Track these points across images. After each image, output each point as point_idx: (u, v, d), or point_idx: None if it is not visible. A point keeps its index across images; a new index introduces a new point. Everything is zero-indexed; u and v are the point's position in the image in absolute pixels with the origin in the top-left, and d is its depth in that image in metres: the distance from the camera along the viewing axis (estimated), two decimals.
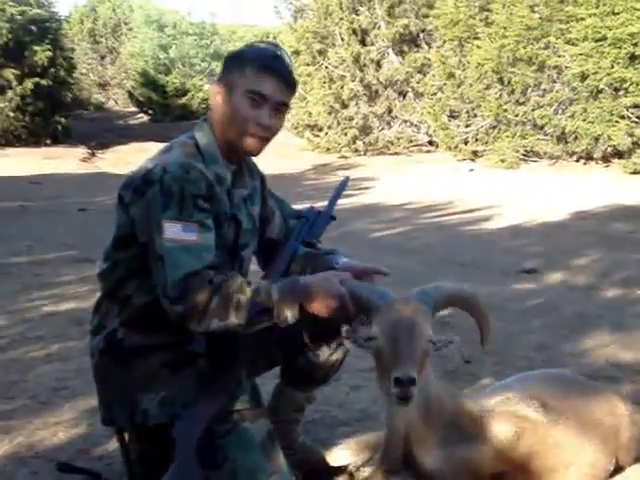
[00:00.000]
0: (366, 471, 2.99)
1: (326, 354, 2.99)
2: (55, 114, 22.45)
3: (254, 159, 2.93)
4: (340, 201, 3.09)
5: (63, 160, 18.02)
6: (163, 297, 2.47)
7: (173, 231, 2.50)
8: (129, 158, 14.81)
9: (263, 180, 2.99)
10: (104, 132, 22.91)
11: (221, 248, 2.66)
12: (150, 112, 25.23)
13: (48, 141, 21.87)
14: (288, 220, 3.04)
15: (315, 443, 3.20)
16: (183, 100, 23.91)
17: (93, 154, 19.36)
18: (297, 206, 3.14)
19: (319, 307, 2.52)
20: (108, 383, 2.70)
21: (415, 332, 2.52)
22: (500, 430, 2.82)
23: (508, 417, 2.84)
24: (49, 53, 22.09)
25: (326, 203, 3.07)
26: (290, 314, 2.48)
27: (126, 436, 2.76)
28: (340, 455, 3.05)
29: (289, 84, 2.72)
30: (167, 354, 2.63)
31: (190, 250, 2.49)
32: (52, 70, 22.44)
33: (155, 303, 2.56)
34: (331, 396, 3.70)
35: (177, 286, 2.45)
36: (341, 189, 3.12)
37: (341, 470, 2.97)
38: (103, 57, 31.80)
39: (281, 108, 2.70)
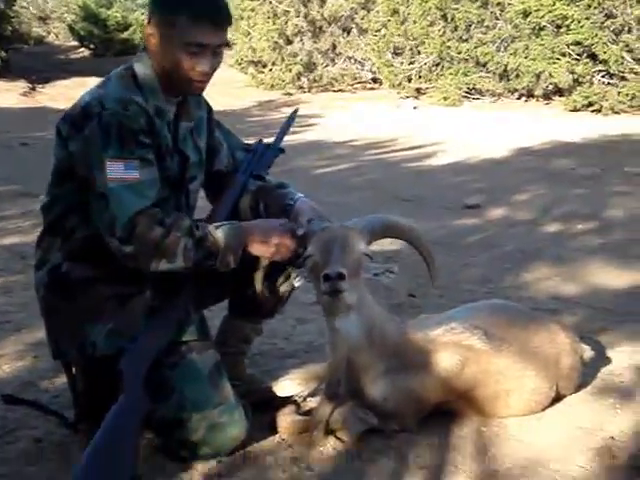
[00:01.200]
0: (312, 401, 3.04)
1: (273, 287, 3.02)
2: None
3: None
4: (286, 138, 3.09)
5: (3, 94, 17.60)
6: (110, 237, 2.48)
7: (115, 170, 2.49)
8: (70, 93, 14.52)
9: (210, 111, 2.98)
10: (45, 66, 22.41)
11: (166, 182, 2.66)
12: (91, 46, 24.70)
13: None
14: (236, 152, 3.03)
15: (262, 375, 3.25)
16: (125, 35, 23.43)
17: (34, 88, 18.90)
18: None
19: (261, 251, 2.65)
20: (55, 317, 2.71)
21: (347, 244, 2.63)
22: (444, 359, 2.88)
23: (452, 346, 2.90)
24: None
25: (274, 137, 3.07)
26: (233, 259, 2.57)
27: (73, 368, 2.77)
28: (287, 386, 3.10)
29: (225, 23, 2.66)
30: (113, 286, 2.63)
31: (134, 189, 2.49)
32: None
33: (97, 236, 2.57)
34: (278, 329, 3.74)
35: (126, 227, 2.46)
36: (290, 121, 3.13)
37: (288, 400, 3.01)
38: None
39: (220, 48, 2.66)
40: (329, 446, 2.76)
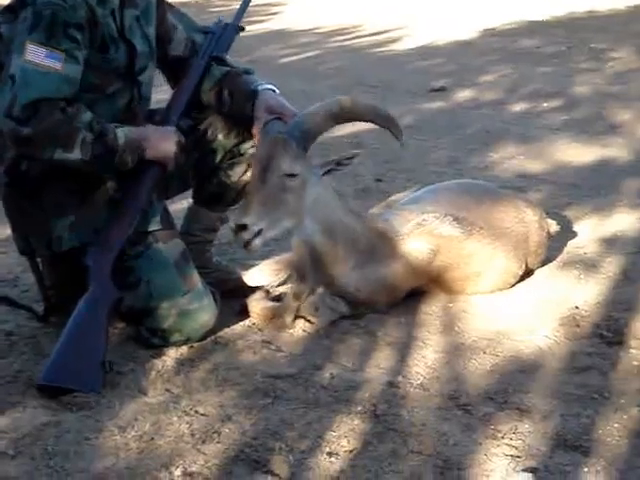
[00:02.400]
0: (281, 289, 3.06)
1: (238, 174, 3.02)
2: None
3: None
4: (248, 27, 3.03)
5: None
6: (6, 118, 2.40)
7: (35, 54, 2.42)
8: None
9: None
10: None
11: (113, 74, 2.62)
12: None
13: None
14: (194, 35, 2.97)
15: (231, 263, 3.26)
16: None
17: None
18: None
19: (156, 155, 2.64)
20: (20, 214, 2.70)
21: (264, 169, 2.60)
22: (416, 250, 2.89)
23: (424, 237, 2.91)
24: None
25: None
26: (131, 159, 2.55)
27: (39, 263, 2.77)
28: (256, 276, 3.11)
29: None
30: (74, 180, 2.61)
31: (49, 76, 2.43)
32: None
33: None
34: None
35: (26, 108, 2.40)
36: None
37: (258, 289, 3.03)
38: None
39: None
40: (299, 328, 2.81)
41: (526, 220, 3.14)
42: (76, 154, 2.46)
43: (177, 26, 2.95)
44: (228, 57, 3.00)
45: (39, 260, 2.77)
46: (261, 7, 14.25)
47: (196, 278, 2.68)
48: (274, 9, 13.59)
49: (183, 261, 2.68)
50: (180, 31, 2.95)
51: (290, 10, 13.37)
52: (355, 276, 2.84)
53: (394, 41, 10.11)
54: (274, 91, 2.86)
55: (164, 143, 2.65)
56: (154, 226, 2.68)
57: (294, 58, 9.04)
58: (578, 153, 5.05)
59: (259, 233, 2.54)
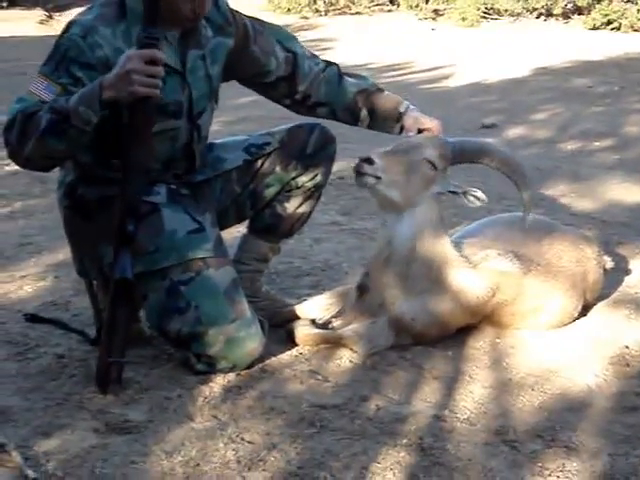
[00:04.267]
0: (335, 322, 3.05)
1: (294, 207, 3.05)
2: None
3: (231, 12, 2.89)
4: None
5: (19, 23, 17.53)
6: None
7: (37, 86, 2.49)
8: None
9: (242, 35, 2.90)
10: None
11: (164, 111, 2.63)
12: None
13: (4, 4, 21.22)
14: (292, 46, 3.01)
15: (280, 293, 3.28)
16: None
17: (51, 17, 18.76)
18: None
19: (118, 89, 2.37)
20: (77, 236, 2.76)
21: (412, 147, 2.74)
22: (477, 287, 2.87)
23: (487, 274, 2.90)
24: None
25: None
26: (91, 112, 2.38)
27: (95, 285, 2.81)
28: (307, 308, 3.09)
29: None
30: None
31: (31, 99, 2.48)
32: None
33: (97, 161, 2.63)
34: (294, 248, 3.77)
35: (10, 118, 2.45)
36: None
37: (306, 323, 3.03)
38: None
39: None
40: (346, 359, 2.81)
41: (584, 258, 3.12)
42: (37, 133, 2.42)
43: (273, 50, 2.96)
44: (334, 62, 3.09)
45: (95, 282, 2.80)
46: (314, 42, 14.36)
47: (245, 306, 2.69)
48: (326, 44, 13.70)
49: (233, 289, 2.69)
50: (278, 54, 2.97)
51: (342, 46, 13.47)
52: (414, 305, 2.83)
53: (446, 78, 10.14)
54: (414, 109, 3.00)
55: (123, 69, 2.35)
56: (206, 253, 2.69)
57: None
58: (629, 192, 5.01)
59: (377, 179, 2.67)
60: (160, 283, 2.64)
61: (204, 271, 2.66)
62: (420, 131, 2.91)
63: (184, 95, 2.72)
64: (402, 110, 2.97)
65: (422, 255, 2.80)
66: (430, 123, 2.93)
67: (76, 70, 2.50)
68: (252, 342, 2.66)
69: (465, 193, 2.78)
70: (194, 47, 2.73)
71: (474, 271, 2.87)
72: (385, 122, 3.01)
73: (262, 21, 3.04)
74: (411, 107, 3.00)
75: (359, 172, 2.67)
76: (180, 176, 2.85)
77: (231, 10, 2.91)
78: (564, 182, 5.27)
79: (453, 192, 2.79)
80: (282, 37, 3.01)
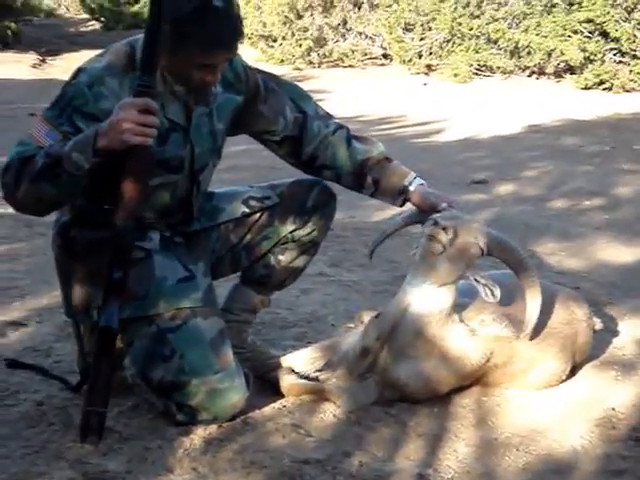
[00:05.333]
0: (319, 376, 3.01)
1: (288, 260, 3.04)
2: (4, 19, 21.85)
3: (243, 68, 2.89)
4: None
5: (13, 66, 17.63)
6: None
7: (39, 129, 2.48)
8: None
9: (252, 93, 2.90)
10: (55, 39, 22.41)
11: (164, 166, 2.62)
12: (102, 19, 24.63)
13: None
14: (303, 106, 3.00)
15: (265, 343, 3.25)
16: (135, 8, 23.27)
17: (44, 60, 18.93)
18: None
19: (111, 138, 2.33)
20: (67, 277, 2.73)
21: (467, 227, 2.73)
22: (472, 353, 2.85)
23: (483, 340, 2.87)
24: None
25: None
26: (83, 158, 2.34)
27: (82, 328, 2.78)
28: (293, 361, 3.06)
29: (237, 41, 2.59)
30: None
31: (29, 144, 2.47)
32: None
33: (91, 204, 2.60)
34: (281, 299, 3.74)
35: (8, 161, 2.45)
36: None
37: (292, 373, 3.01)
38: None
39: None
40: (329, 413, 2.77)
41: (575, 320, 3.10)
42: (29, 176, 2.41)
43: (282, 111, 2.95)
44: (346, 125, 3.08)
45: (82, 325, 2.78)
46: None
47: (230, 358, 2.66)
48: (318, 96, 13.74)
49: (220, 339, 2.66)
50: (287, 114, 2.95)
51: (334, 98, 13.53)
52: (408, 370, 2.81)
53: (437, 132, 10.21)
54: (423, 184, 2.93)
55: (115, 118, 2.32)
56: (194, 303, 2.67)
57: None
58: (619, 252, 5.02)
59: (444, 248, 2.68)
60: (147, 329, 2.62)
61: (191, 320, 2.64)
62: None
63: (186, 150, 2.71)
64: (407, 184, 2.91)
65: (428, 330, 2.79)
66: (442, 204, 2.84)
67: (78, 120, 2.49)
68: (235, 394, 2.63)
69: (486, 285, 2.76)
70: (201, 103, 2.72)
71: (471, 339, 2.85)
72: (389, 193, 2.97)
73: (277, 78, 3.02)
74: (419, 181, 2.93)
75: (434, 237, 2.66)
76: (175, 225, 2.84)
77: (245, 66, 2.89)
78: (554, 240, 5.28)
79: (476, 280, 2.77)
80: (296, 96, 3.01)
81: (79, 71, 2.58)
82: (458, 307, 2.93)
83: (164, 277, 2.66)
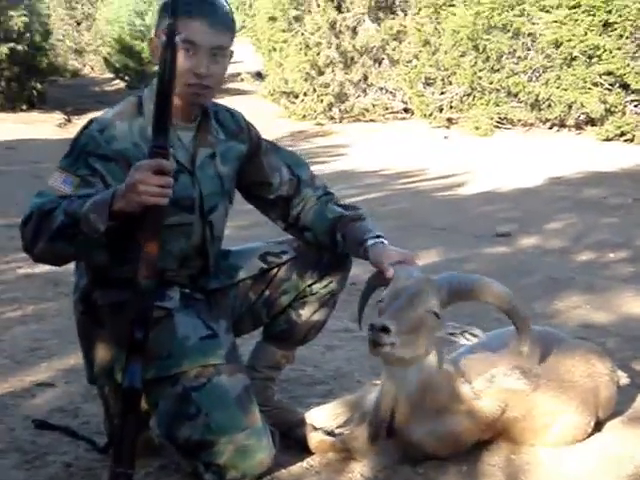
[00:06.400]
0: (344, 432, 3.01)
1: (308, 314, 3.04)
2: (31, 79, 22.22)
3: (245, 122, 2.96)
4: (315, 167, 3.11)
5: (39, 126, 17.87)
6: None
7: (55, 180, 2.54)
8: None
9: (254, 144, 2.97)
10: (80, 98, 22.72)
11: (177, 206, 2.63)
12: (126, 79, 24.98)
13: (24, 107, 21.67)
14: (299, 172, 3.04)
15: (291, 401, 3.25)
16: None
17: (69, 120, 19.20)
18: None
19: (128, 201, 2.35)
20: (89, 342, 2.75)
21: (414, 298, 2.59)
22: (486, 406, 2.84)
23: (494, 394, 2.86)
24: (24, 18, 21.77)
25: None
26: (99, 220, 2.37)
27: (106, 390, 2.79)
28: (317, 416, 3.07)
29: (222, 26, 2.64)
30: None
31: (47, 194, 2.52)
32: (28, 35, 22.15)
33: (113, 264, 2.62)
34: (307, 356, 3.74)
35: (23, 223, 2.48)
36: None
37: (319, 430, 3.00)
38: (79, 23, 31.26)
39: (218, 52, 2.65)
40: (357, 472, 2.76)
41: (596, 374, 3.08)
42: (48, 233, 2.44)
43: (279, 169, 3.01)
44: (334, 193, 3.10)
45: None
46: (327, 148, 14.58)
47: (257, 415, 2.65)
48: (340, 150, 13.89)
49: (245, 397, 2.66)
50: (284, 173, 3.02)
51: (356, 152, 13.64)
52: (422, 430, 2.79)
53: (460, 185, 10.23)
54: (383, 243, 2.83)
55: (129, 180, 2.34)
56: (218, 359, 2.68)
57: (359, 199, 9.15)
58: None
59: (392, 345, 2.53)
60: (171, 389, 2.62)
61: (215, 378, 2.64)
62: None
63: (195, 191, 2.76)
64: (367, 238, 2.84)
65: (429, 395, 2.77)
66: (400, 256, 2.78)
67: (94, 162, 2.55)
68: (262, 453, 2.61)
69: (463, 333, 2.76)
70: (204, 146, 2.79)
71: (483, 392, 2.84)
72: (354, 248, 2.90)
73: (276, 144, 3.10)
74: (380, 240, 2.84)
75: (377, 343, 2.52)
76: (195, 278, 2.86)
77: (246, 122, 2.98)
78: (579, 293, 5.25)
79: (451, 334, 2.76)
80: (292, 162, 3.06)
81: (90, 122, 2.67)
82: (467, 363, 2.93)
83: (186, 336, 2.67)
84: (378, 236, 2.85)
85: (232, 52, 2.73)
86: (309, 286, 3.03)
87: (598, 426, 3.12)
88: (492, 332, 3.32)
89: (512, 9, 15.43)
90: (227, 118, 2.91)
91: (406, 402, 2.74)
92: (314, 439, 2.88)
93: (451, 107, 17.02)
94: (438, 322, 2.65)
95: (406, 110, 18.69)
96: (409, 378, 2.71)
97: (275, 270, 3.02)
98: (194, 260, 2.84)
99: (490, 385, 2.86)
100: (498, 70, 15.87)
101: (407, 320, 2.56)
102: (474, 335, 2.78)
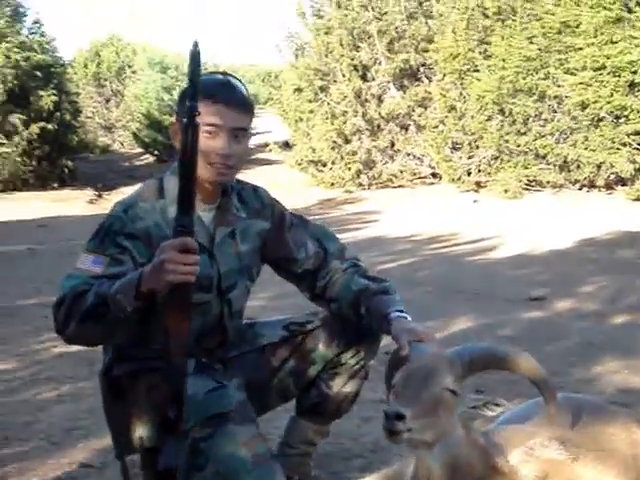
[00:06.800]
0: None
1: (339, 386, 3.02)
2: (61, 157, 22.65)
3: (270, 199, 3.00)
4: (345, 234, 3.10)
5: (70, 202, 18.11)
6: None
7: (84, 261, 2.58)
8: None
9: (278, 220, 3.00)
10: (110, 174, 23.05)
11: (196, 286, 2.59)
12: (155, 153, 25.38)
13: (55, 184, 22.03)
14: (326, 244, 3.04)
15: (330, 476, 3.21)
16: None
17: (100, 196, 19.47)
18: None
19: (154, 280, 2.38)
20: (112, 417, 2.77)
21: (429, 378, 2.51)
22: (524, 477, 2.78)
23: (532, 465, 2.81)
24: (54, 97, 22.28)
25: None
26: (126, 301, 2.41)
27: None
28: None
29: (242, 108, 2.73)
30: (152, 376, 2.62)
31: (77, 276, 2.55)
32: (58, 114, 22.62)
33: (132, 342, 2.65)
34: (343, 428, 3.70)
35: (55, 307, 2.51)
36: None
37: None
38: (108, 100, 31.90)
39: (239, 133, 2.72)
40: None
41: (636, 441, 3.02)
42: (78, 314, 2.47)
43: (305, 243, 3.01)
44: (362, 264, 3.07)
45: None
46: (358, 215, 14.64)
47: (267, 456, 2.60)
48: (371, 217, 13.93)
49: (255, 441, 2.59)
50: (309, 247, 3.01)
51: (386, 218, 13.68)
52: None
53: (490, 249, 10.20)
54: (406, 318, 2.80)
55: (157, 260, 2.37)
56: (225, 408, 2.62)
57: (391, 265, 9.17)
58: None
59: (409, 430, 2.42)
60: (184, 444, 2.56)
61: (223, 426, 2.58)
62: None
63: (213, 270, 2.78)
64: (389, 312, 2.80)
65: (461, 469, 2.71)
66: (421, 334, 2.71)
67: (121, 240, 2.60)
68: None
69: (486, 405, 2.69)
70: (223, 225, 2.83)
71: (520, 464, 2.78)
72: (378, 322, 2.85)
73: (304, 218, 3.11)
74: (401, 315, 2.81)
75: (393, 432, 2.42)
76: (212, 352, 2.87)
77: (271, 197, 3.02)
78: (617, 357, 5.17)
79: (474, 407, 2.70)
80: (320, 235, 3.06)
81: (114, 206, 2.74)
82: (504, 435, 2.87)
83: (195, 393, 2.59)
84: (401, 311, 2.82)
85: (251, 133, 2.81)
86: (337, 356, 3.00)
87: None
88: (527, 402, 3.28)
89: (537, 72, 15.54)
90: (250, 196, 2.95)
91: (440, 477, 2.69)
92: None
93: (479, 171, 17.08)
94: (456, 399, 2.57)
95: (434, 175, 18.78)
96: (437, 456, 2.65)
97: (300, 338, 3.00)
98: (211, 336, 2.85)
99: (529, 457, 2.81)
100: (525, 133, 15.93)
101: (422, 402, 2.47)
102: (498, 405, 2.72)
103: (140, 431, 2.62)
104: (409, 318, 2.80)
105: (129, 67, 31.14)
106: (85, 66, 32.06)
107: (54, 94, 22.32)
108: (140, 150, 27.00)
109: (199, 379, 2.69)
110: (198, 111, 2.38)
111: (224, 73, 2.83)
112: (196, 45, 2.34)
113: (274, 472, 2.59)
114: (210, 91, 2.64)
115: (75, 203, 17.76)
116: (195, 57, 2.35)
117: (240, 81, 2.82)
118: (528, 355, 2.63)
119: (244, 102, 2.74)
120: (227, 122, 2.68)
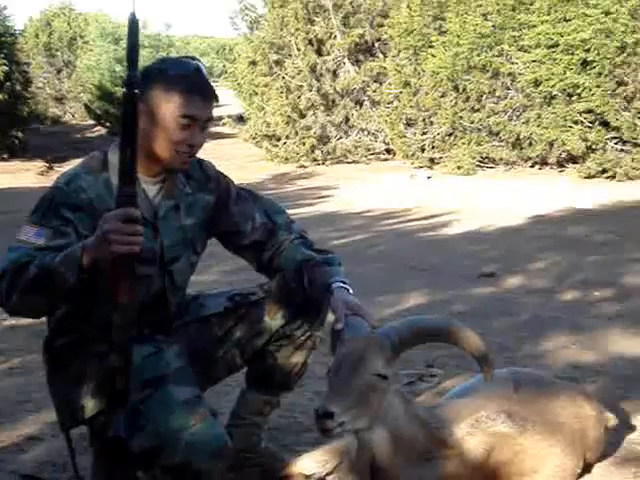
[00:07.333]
0: (334, 479, 2.99)
1: (286, 357, 3.02)
2: (12, 128, 22.32)
3: (215, 172, 2.99)
4: (299, 210, 3.10)
5: (20, 174, 17.89)
6: None
7: (26, 233, 2.55)
8: None
9: (224, 193, 2.99)
10: (62, 146, 22.77)
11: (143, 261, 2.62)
12: (107, 125, 25.11)
13: (5, 155, 21.73)
14: (274, 217, 3.03)
15: (281, 449, 3.22)
16: None
17: (51, 167, 19.24)
18: None
19: (99, 251, 2.37)
20: (55, 388, 2.76)
21: (357, 364, 2.50)
22: (471, 449, 2.81)
23: (477, 437, 2.84)
24: (5, 67, 21.95)
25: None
26: (69, 272, 2.40)
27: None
28: (304, 463, 3.05)
29: (213, 99, 2.75)
30: (97, 347, 2.62)
31: (21, 249, 2.52)
32: (8, 84, 22.29)
33: (75, 313, 2.65)
34: (295, 402, 3.72)
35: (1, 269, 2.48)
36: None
37: (309, 477, 2.98)
38: (59, 71, 31.47)
39: (207, 124, 2.74)
40: None
41: (583, 416, 3.06)
42: (21, 285, 2.45)
43: (253, 216, 3.00)
44: (309, 237, 3.07)
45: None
46: (312, 190, 14.62)
47: (207, 413, 2.60)
48: (325, 192, 13.92)
49: (194, 400, 2.61)
50: (257, 219, 3.00)
51: (339, 194, 13.68)
52: (407, 476, 2.75)
53: (444, 225, 10.25)
54: (348, 290, 2.80)
55: (100, 230, 2.36)
56: (163, 371, 2.66)
57: (344, 240, 9.18)
58: (633, 344, 4.96)
59: (341, 425, 2.44)
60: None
61: (161, 387, 2.61)
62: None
63: (156, 243, 2.76)
64: (330, 282, 2.80)
65: (404, 444, 2.71)
66: (356, 308, 2.70)
67: (65, 212, 2.57)
68: (216, 442, 2.56)
69: (421, 378, 2.69)
70: (167, 198, 2.81)
71: (466, 438, 2.81)
72: (319, 292, 2.85)
73: (253, 192, 3.10)
74: (343, 286, 2.80)
75: (325, 430, 2.43)
76: (156, 325, 2.85)
77: (217, 170, 3.01)
78: (565, 333, 5.23)
79: (409, 383, 2.69)
80: (269, 208, 3.06)
81: (57, 178, 2.72)
82: (450, 409, 2.91)
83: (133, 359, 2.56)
84: (344, 282, 2.82)
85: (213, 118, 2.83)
86: (282, 327, 2.98)
87: (587, 468, 3.11)
88: (477, 375, 3.30)
89: (491, 49, 15.62)
90: (195, 168, 2.92)
91: (382, 455, 2.70)
92: None
93: (433, 147, 17.14)
94: (387, 382, 2.55)
95: (388, 151, 18.82)
96: (377, 433, 2.66)
97: (243, 310, 2.99)
98: (154, 309, 2.82)
99: (475, 429, 2.84)
100: (478, 110, 16.02)
101: (352, 393, 2.47)
102: (433, 376, 2.71)
103: (82, 401, 2.62)
104: (351, 291, 2.81)
105: (81, 37, 30.75)
106: (36, 36, 31.58)
107: (4, 64, 21.99)
108: (92, 122, 26.71)
109: (138, 347, 2.66)
110: (184, 115, 2.52)
111: (192, 57, 2.82)
112: (133, 15, 2.34)
113: (214, 427, 2.59)
114: (188, 83, 2.66)
115: (26, 175, 17.55)
116: (133, 27, 2.35)
117: (204, 67, 2.82)
118: (461, 325, 2.64)
119: (213, 92, 2.76)
120: (203, 115, 2.70)
